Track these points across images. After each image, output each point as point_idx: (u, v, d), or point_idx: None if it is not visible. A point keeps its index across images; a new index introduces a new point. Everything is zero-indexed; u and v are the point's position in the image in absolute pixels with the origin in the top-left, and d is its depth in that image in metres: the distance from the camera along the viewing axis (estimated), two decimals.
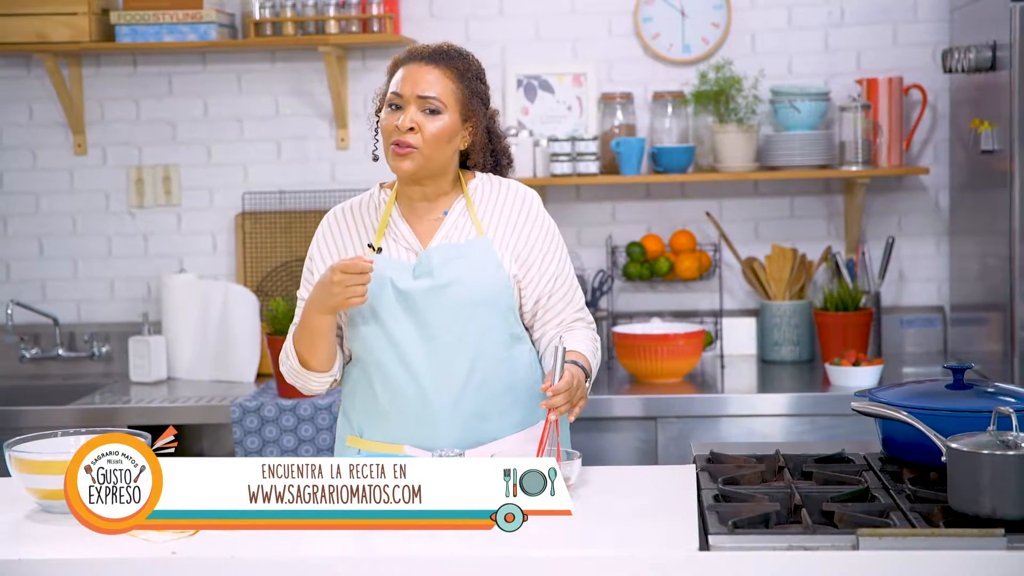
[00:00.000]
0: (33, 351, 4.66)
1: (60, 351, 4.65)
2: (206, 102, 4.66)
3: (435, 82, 2.71)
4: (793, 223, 4.57)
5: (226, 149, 4.67)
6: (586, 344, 2.80)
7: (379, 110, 2.80)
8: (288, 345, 2.77)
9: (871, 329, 4.31)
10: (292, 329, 2.79)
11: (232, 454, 4.15)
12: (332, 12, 4.44)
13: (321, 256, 2.81)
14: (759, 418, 3.95)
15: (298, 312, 2.79)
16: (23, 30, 4.39)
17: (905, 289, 4.56)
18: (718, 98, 4.40)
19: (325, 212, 4.52)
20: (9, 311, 4.53)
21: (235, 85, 4.65)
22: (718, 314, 4.52)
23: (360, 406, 2.79)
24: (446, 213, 2.80)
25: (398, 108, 2.71)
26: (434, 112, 2.70)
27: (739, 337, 4.54)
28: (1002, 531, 2.14)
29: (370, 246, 2.77)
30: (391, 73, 2.77)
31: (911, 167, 4.41)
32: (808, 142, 4.34)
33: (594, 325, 2.89)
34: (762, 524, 2.30)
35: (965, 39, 4.10)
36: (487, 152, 2.84)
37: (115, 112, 4.68)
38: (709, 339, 4.45)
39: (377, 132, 2.80)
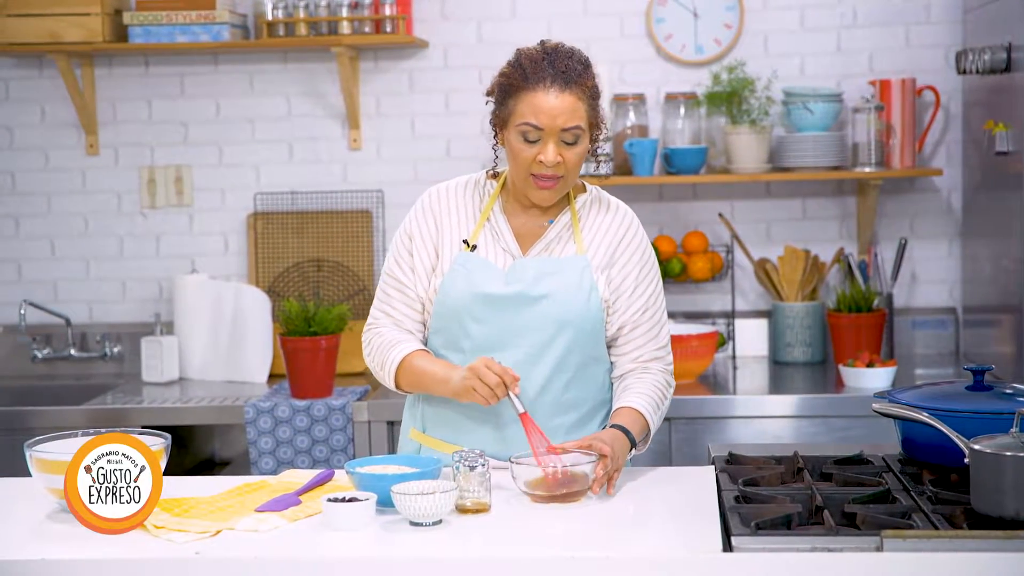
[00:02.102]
0: (45, 351, 4.66)
1: (72, 351, 4.65)
2: (218, 103, 4.66)
3: (575, 112, 2.63)
4: (805, 224, 4.57)
5: (238, 150, 4.67)
6: (648, 396, 2.71)
7: (491, 93, 2.70)
8: (387, 358, 2.71)
9: (884, 331, 4.31)
10: (378, 302, 2.78)
11: (245, 454, 4.15)
12: (345, 13, 4.44)
13: (420, 233, 2.77)
14: (772, 419, 3.95)
15: (384, 285, 2.77)
16: (36, 30, 4.39)
17: (917, 291, 4.56)
18: (731, 99, 4.40)
19: (337, 213, 4.55)
20: (21, 311, 4.53)
21: (247, 86, 4.65)
22: (730, 315, 4.52)
23: (426, 400, 2.77)
24: (551, 222, 2.76)
25: (534, 140, 2.63)
26: (575, 140, 2.65)
27: (751, 338, 4.54)
28: None
29: (465, 242, 2.74)
30: (510, 90, 2.65)
31: (924, 168, 4.41)
32: (821, 143, 4.33)
33: (671, 367, 2.80)
34: (784, 525, 2.30)
35: (979, 40, 4.10)
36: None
37: (127, 113, 4.68)
38: (721, 340, 4.45)
39: (496, 141, 2.73)
